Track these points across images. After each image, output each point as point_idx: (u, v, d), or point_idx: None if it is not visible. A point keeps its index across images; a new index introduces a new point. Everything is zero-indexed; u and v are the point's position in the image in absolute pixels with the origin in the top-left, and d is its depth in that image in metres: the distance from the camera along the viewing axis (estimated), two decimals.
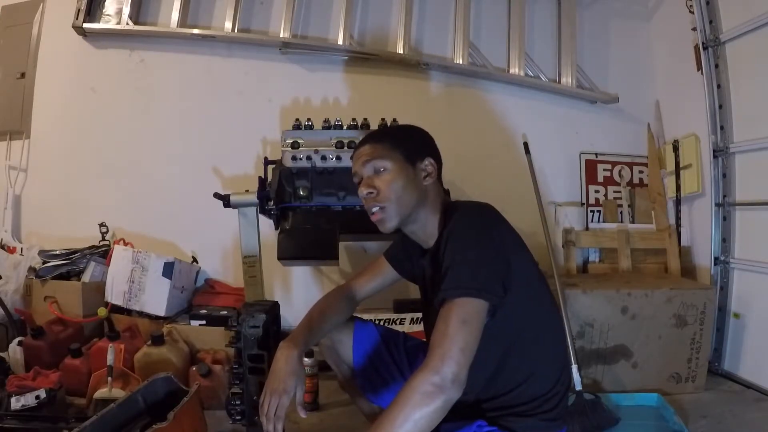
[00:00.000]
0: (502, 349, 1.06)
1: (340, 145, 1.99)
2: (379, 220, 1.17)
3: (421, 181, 1.17)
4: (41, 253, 2.36)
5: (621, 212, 2.68)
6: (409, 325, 2.16)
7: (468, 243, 1.02)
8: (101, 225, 2.52)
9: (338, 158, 1.98)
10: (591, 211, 2.72)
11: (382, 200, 1.14)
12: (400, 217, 1.15)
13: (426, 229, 1.18)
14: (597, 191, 2.74)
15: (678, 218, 2.53)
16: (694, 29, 2.32)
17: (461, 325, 0.93)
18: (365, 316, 2.05)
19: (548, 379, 1.11)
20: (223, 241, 2.57)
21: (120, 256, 2.29)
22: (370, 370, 1.35)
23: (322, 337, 1.29)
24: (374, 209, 1.16)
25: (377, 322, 1.83)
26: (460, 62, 2.60)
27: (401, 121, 2.14)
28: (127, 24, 2.57)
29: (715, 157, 2.26)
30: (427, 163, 1.19)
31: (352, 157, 1.24)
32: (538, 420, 1.08)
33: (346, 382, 1.44)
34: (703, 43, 2.25)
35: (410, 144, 1.20)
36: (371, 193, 1.16)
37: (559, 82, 2.67)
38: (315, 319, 1.24)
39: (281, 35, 2.55)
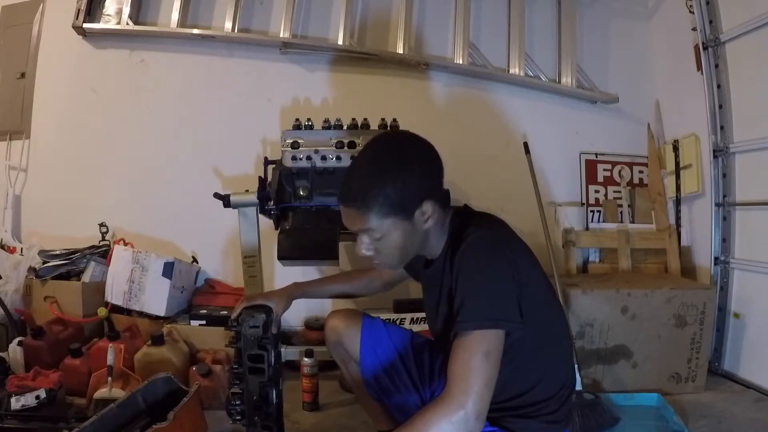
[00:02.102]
0: (512, 365, 1.05)
1: (340, 145, 1.99)
2: (379, 266, 1.17)
3: (422, 226, 1.06)
4: (41, 253, 2.36)
5: (621, 212, 2.68)
6: (409, 324, 2.16)
7: (480, 272, 0.99)
8: (101, 225, 2.52)
9: (338, 158, 1.98)
10: (591, 211, 2.72)
11: (385, 260, 1.11)
12: (403, 263, 1.15)
13: (431, 248, 1.14)
14: (597, 191, 2.74)
15: (678, 218, 2.53)
16: (694, 29, 2.32)
17: (485, 359, 0.91)
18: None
19: (555, 383, 1.10)
20: (223, 241, 2.57)
21: (120, 256, 2.29)
22: (378, 370, 1.35)
23: (328, 293, 1.49)
24: (376, 262, 1.13)
25: None
26: (460, 62, 2.60)
27: (401, 122, 2.14)
28: (127, 24, 2.56)
29: (715, 157, 2.26)
30: (425, 209, 1.05)
31: (337, 201, 1.10)
32: (540, 422, 1.08)
33: (352, 380, 1.44)
34: (703, 43, 2.25)
35: (404, 197, 1.02)
36: (371, 253, 1.10)
37: (559, 82, 2.67)
38: (328, 277, 1.52)
39: (281, 35, 2.55)
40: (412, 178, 1.03)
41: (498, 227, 1.09)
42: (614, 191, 2.73)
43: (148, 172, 2.65)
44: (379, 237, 1.06)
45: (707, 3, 2.26)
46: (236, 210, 2.01)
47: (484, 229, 1.06)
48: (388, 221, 1.04)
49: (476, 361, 0.91)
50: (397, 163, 1.04)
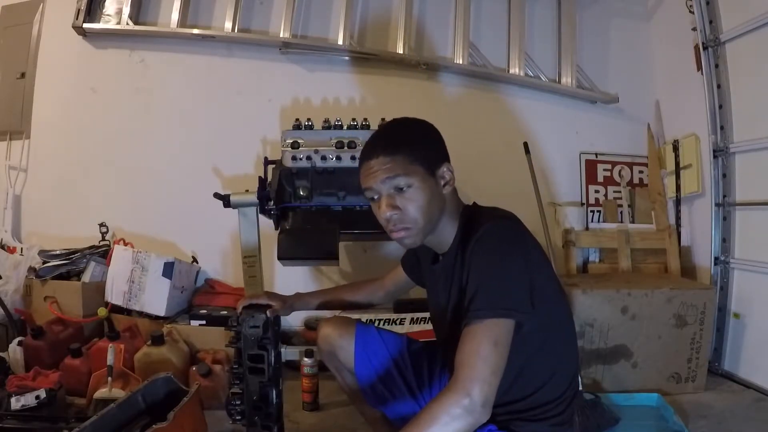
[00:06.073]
0: (521, 361, 1.05)
1: (340, 145, 1.99)
2: (402, 238, 1.10)
3: (441, 190, 1.10)
4: (41, 253, 2.36)
5: (621, 212, 2.68)
6: (409, 325, 2.16)
7: (495, 262, 0.99)
8: (101, 225, 2.52)
9: (338, 158, 1.98)
10: (591, 211, 2.72)
11: (409, 221, 1.07)
12: (424, 234, 1.10)
13: (441, 237, 1.13)
14: (597, 191, 2.74)
15: (678, 218, 2.54)
16: (694, 29, 2.32)
17: (493, 348, 0.91)
18: (366, 316, 2.06)
19: (561, 384, 1.10)
20: (223, 241, 2.57)
21: (120, 256, 2.29)
22: (374, 379, 1.33)
23: (330, 305, 1.50)
24: (398, 229, 1.08)
25: (377, 322, 1.82)
26: (460, 62, 2.60)
27: None
28: (127, 24, 2.57)
29: (715, 157, 2.26)
30: (445, 170, 1.11)
31: (360, 167, 1.12)
32: (547, 425, 1.08)
33: (348, 389, 1.42)
34: (703, 43, 2.25)
35: (428, 152, 1.10)
36: (395, 214, 1.07)
37: (559, 82, 2.67)
38: (330, 289, 1.55)
39: (281, 35, 2.55)
40: (435, 138, 1.15)
41: (511, 219, 1.10)
42: (614, 191, 2.74)
43: (148, 172, 2.65)
44: (404, 187, 1.06)
45: (707, 3, 2.25)
46: (236, 210, 2.01)
47: (498, 220, 1.06)
48: (415, 169, 1.06)
49: (484, 348, 0.91)
50: (420, 125, 1.16)
